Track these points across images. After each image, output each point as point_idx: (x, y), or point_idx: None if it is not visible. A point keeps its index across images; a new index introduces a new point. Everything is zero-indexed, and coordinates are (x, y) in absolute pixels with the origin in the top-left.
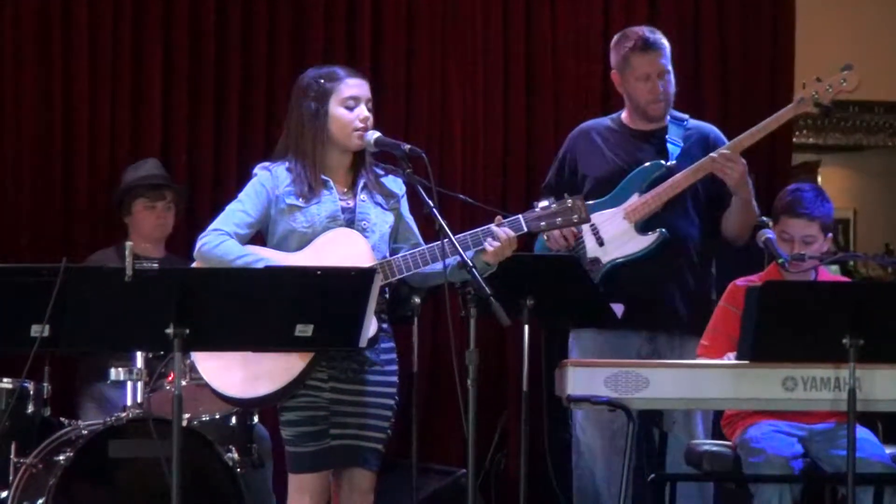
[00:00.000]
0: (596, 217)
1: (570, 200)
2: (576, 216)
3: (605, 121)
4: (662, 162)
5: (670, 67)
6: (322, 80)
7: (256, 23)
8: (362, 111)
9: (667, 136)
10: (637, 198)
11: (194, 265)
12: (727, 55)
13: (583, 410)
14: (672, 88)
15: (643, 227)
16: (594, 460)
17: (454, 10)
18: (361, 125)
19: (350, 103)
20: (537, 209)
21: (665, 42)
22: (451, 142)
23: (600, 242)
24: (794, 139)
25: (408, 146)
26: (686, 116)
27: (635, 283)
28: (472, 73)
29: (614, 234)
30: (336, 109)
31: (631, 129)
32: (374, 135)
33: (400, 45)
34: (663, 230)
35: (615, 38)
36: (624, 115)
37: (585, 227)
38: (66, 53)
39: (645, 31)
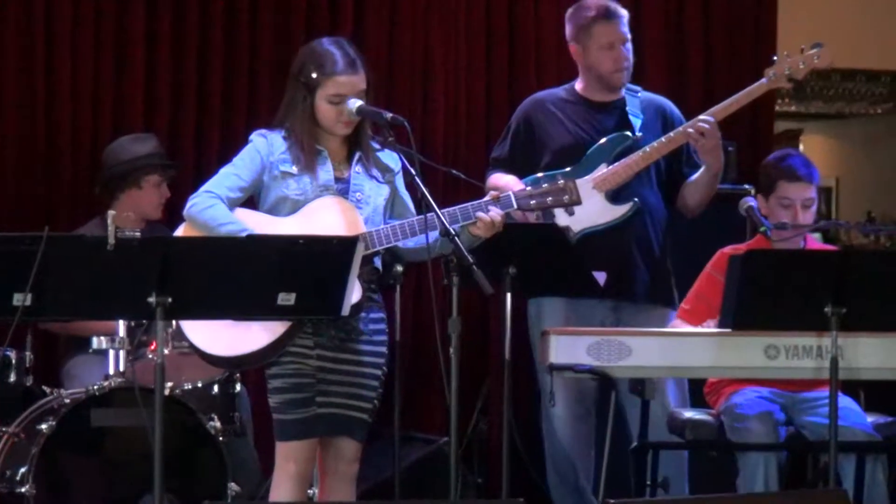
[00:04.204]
0: None
1: (562, 181)
2: (566, 196)
3: (559, 92)
4: (629, 133)
5: (629, 37)
6: (313, 70)
7: None
8: (345, 107)
9: (627, 108)
10: (605, 168)
11: (183, 226)
12: (710, 27)
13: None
14: (631, 58)
15: (613, 197)
16: (562, 428)
17: None
18: (343, 120)
19: (334, 99)
20: (527, 187)
21: (624, 10)
22: (433, 110)
23: (570, 212)
24: (776, 107)
25: (390, 114)
26: (638, 88)
27: (602, 253)
28: (454, 42)
29: (585, 204)
30: (321, 102)
31: (589, 100)
32: (355, 104)
33: (383, 14)
34: (636, 200)
35: (571, 9)
36: (579, 86)
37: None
38: (48, 35)
39: (601, 1)
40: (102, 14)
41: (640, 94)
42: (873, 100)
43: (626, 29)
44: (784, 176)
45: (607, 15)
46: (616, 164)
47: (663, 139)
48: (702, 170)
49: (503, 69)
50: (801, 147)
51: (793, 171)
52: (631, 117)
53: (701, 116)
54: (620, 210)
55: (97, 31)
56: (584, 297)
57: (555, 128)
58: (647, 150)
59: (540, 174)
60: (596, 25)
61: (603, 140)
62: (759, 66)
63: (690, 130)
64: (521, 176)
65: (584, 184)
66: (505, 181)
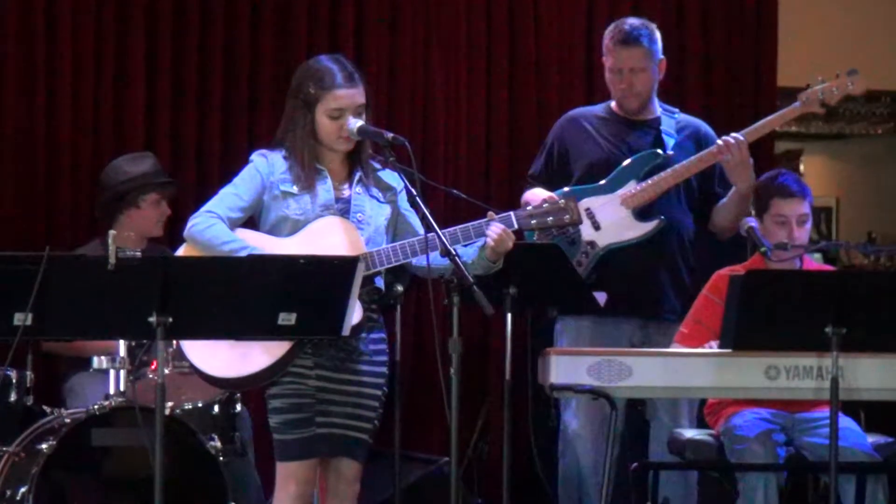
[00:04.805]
0: (590, 201)
1: (562, 200)
2: (567, 216)
3: (595, 109)
4: (660, 151)
5: (648, 64)
6: (312, 86)
7: (239, 11)
8: (345, 122)
9: (661, 127)
10: (634, 185)
11: (184, 246)
12: (710, 48)
13: (575, 398)
14: (645, 86)
15: (640, 214)
16: (583, 448)
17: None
18: (343, 136)
19: (335, 114)
20: (529, 206)
21: (648, 38)
22: (433, 129)
23: (596, 227)
24: (777, 128)
25: (391, 135)
26: (675, 109)
27: (628, 270)
28: (455, 61)
29: (612, 220)
30: (321, 117)
31: (622, 117)
32: (356, 124)
33: (383, 32)
34: (663, 217)
35: (610, 25)
36: (613, 103)
37: (580, 211)
38: (49, 46)
39: (629, 24)
40: (103, 32)
41: (676, 115)
42: (873, 120)
43: (642, 57)
44: (777, 193)
45: (624, 41)
46: (645, 181)
47: (693, 158)
48: (732, 190)
49: (503, 88)
50: (802, 167)
51: (785, 187)
52: (664, 136)
53: (731, 134)
54: (646, 227)
55: (98, 49)
56: (610, 316)
57: (587, 144)
58: (677, 168)
59: (567, 188)
60: (612, 48)
61: (634, 157)
62: (759, 92)
63: (721, 145)
64: (554, 191)
65: (613, 200)
66: (537, 195)
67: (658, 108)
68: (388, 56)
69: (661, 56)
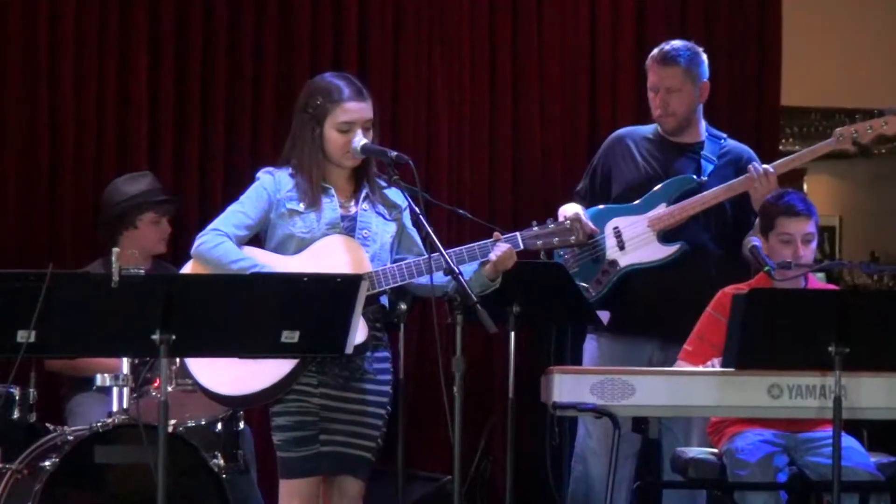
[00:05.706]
0: (620, 221)
1: (568, 222)
2: (573, 237)
3: (644, 129)
4: (694, 177)
5: (685, 85)
6: (321, 100)
7: (243, 27)
8: (355, 136)
9: (703, 152)
10: (664, 208)
11: (190, 263)
12: (714, 66)
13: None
14: (680, 106)
15: (665, 237)
16: (598, 464)
17: (441, 14)
18: (350, 149)
19: (344, 128)
20: (534, 228)
21: (687, 59)
22: (437, 145)
23: (621, 246)
24: (780, 147)
25: (394, 153)
26: (724, 135)
27: (652, 291)
28: (458, 75)
29: (636, 240)
30: (330, 132)
31: (667, 140)
32: (360, 142)
33: (386, 50)
34: (684, 242)
35: None
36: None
37: (608, 229)
38: (51, 72)
39: (671, 45)
40: (106, 51)
41: (723, 142)
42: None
43: (676, 77)
44: (783, 212)
45: (658, 58)
46: (674, 205)
47: (723, 186)
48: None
49: (507, 104)
50: (805, 186)
51: (791, 206)
52: (703, 161)
53: (763, 165)
54: (668, 250)
55: (101, 66)
56: (633, 335)
57: (627, 163)
58: (705, 194)
59: (601, 206)
60: (650, 67)
61: (667, 180)
62: (762, 109)
63: (751, 175)
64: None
65: (641, 221)
66: (567, 210)
67: (704, 132)
68: (392, 73)
69: (705, 80)
